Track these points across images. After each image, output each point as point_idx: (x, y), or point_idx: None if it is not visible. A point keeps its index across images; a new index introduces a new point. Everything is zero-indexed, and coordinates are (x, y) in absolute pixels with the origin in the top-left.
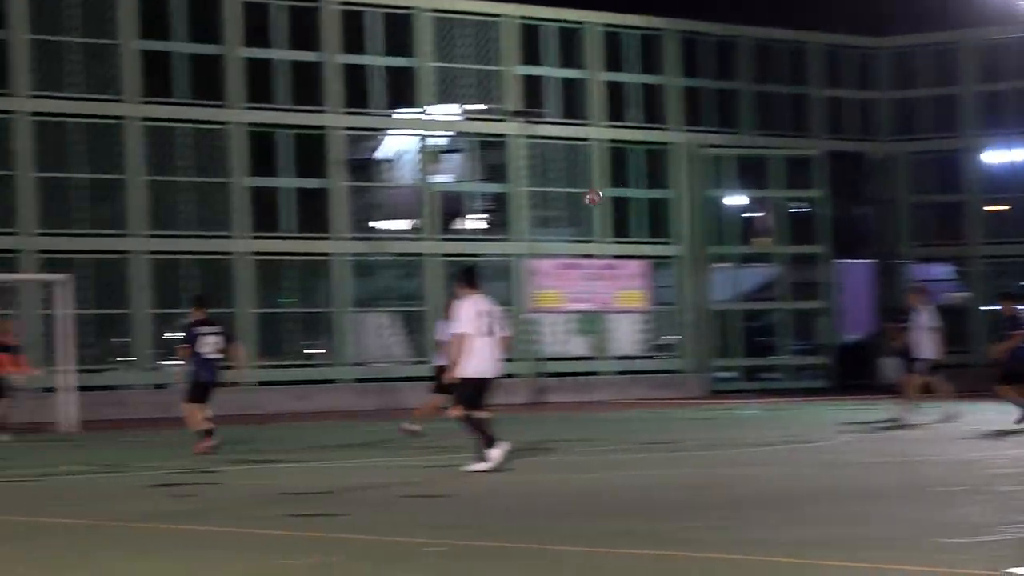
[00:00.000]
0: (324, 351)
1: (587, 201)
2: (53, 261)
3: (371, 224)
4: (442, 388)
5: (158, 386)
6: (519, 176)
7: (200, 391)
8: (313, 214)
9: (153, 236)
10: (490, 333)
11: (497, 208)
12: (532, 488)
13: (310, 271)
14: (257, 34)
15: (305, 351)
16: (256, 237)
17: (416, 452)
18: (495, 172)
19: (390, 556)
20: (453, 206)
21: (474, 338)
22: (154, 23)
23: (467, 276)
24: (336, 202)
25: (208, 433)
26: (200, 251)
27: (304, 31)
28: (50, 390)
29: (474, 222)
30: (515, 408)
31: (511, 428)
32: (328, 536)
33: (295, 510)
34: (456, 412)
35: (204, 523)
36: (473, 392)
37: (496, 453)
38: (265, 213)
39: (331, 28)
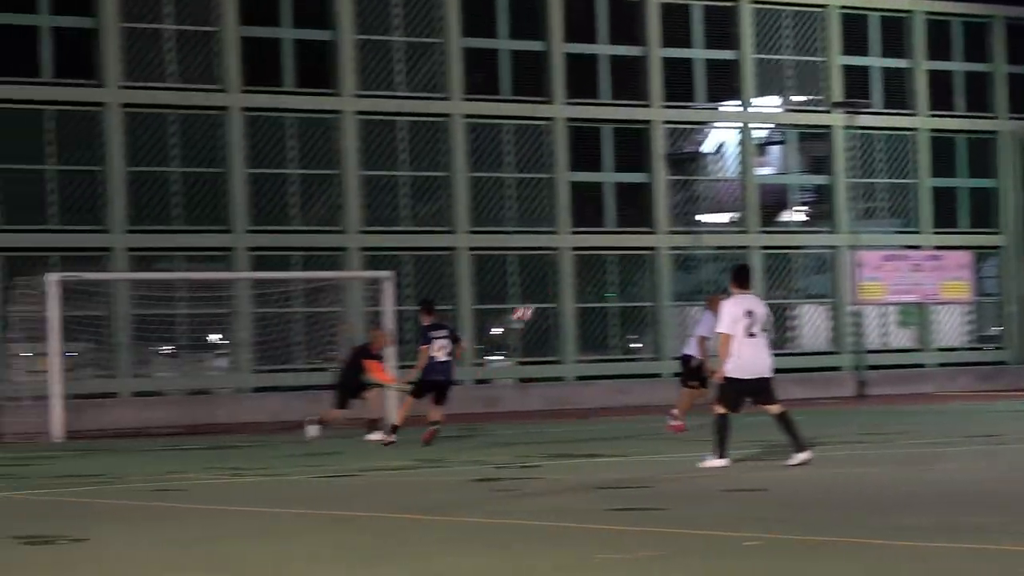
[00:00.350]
0: (643, 345)
1: (515, 317)
2: (377, 258)
3: (692, 218)
4: (688, 379)
5: (479, 381)
6: (842, 167)
7: (425, 388)
8: (634, 208)
9: (475, 232)
10: (751, 334)
11: (819, 200)
12: (848, 481)
13: (631, 265)
14: (579, 30)
15: (629, 345)
16: (577, 232)
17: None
18: (817, 164)
19: (709, 551)
20: (775, 198)
21: (734, 338)
22: (479, 20)
23: (737, 274)
24: (657, 196)
25: (394, 429)
26: (522, 247)
27: (626, 26)
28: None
29: (796, 214)
30: (838, 401)
31: (832, 421)
32: (646, 530)
33: (613, 504)
34: (715, 409)
35: (524, 517)
36: (731, 392)
37: (717, 463)
38: (586, 208)
39: (653, 22)
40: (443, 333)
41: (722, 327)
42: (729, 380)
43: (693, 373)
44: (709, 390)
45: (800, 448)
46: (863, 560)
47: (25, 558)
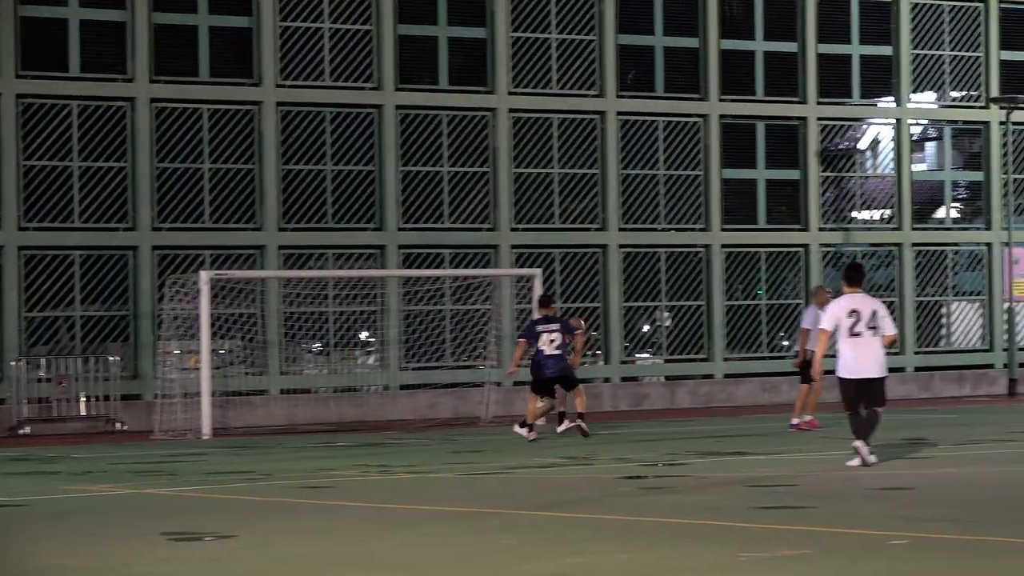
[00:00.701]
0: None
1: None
2: (527, 255)
3: (846, 214)
4: (804, 377)
5: (626, 379)
6: (997, 163)
7: (538, 385)
8: (786, 205)
9: (626, 230)
10: (855, 333)
11: (974, 196)
12: (996, 480)
13: (782, 262)
14: (734, 26)
15: (779, 343)
16: (728, 229)
17: (884, 445)
18: (973, 160)
19: (855, 549)
20: (929, 195)
21: (836, 337)
22: (634, 16)
23: (848, 272)
24: (811, 193)
25: (530, 427)
26: (673, 244)
27: (782, 21)
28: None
29: (950, 211)
30: (990, 399)
31: (982, 419)
32: (792, 528)
33: (759, 502)
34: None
35: (670, 515)
36: (844, 393)
37: (855, 461)
38: (738, 205)
39: (810, 18)
40: (552, 327)
41: (823, 324)
42: (840, 380)
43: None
44: (814, 385)
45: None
46: (1013, 559)
47: (173, 554)
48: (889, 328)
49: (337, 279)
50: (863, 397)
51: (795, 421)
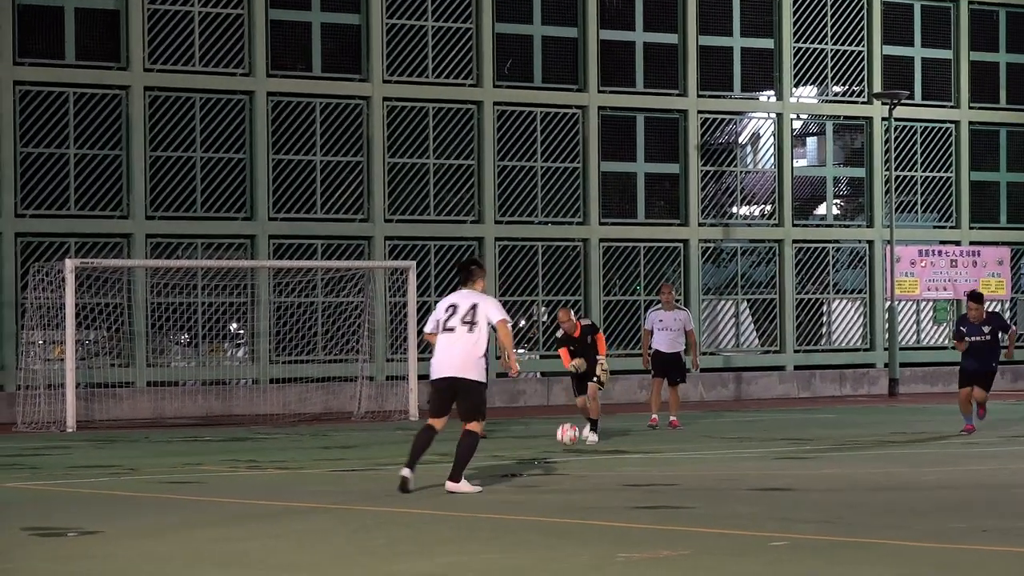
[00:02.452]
0: None
1: (564, 439)
2: (401, 248)
3: (726, 209)
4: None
5: (500, 375)
6: (880, 160)
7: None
8: (666, 200)
9: (502, 223)
10: (448, 329)
11: (856, 193)
12: (879, 480)
13: (663, 257)
14: (614, 16)
15: None
16: (606, 223)
17: (765, 444)
18: (855, 156)
19: (735, 550)
20: (811, 191)
21: (435, 335)
22: (512, 6)
23: (460, 267)
24: (690, 187)
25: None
26: (550, 237)
27: (662, 13)
28: (397, 378)
29: (831, 207)
30: (870, 399)
31: (862, 419)
32: (672, 529)
33: (638, 502)
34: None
35: (548, 514)
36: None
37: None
38: (618, 199)
39: (690, 9)
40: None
41: (427, 324)
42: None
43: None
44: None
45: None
46: (892, 561)
47: (34, 550)
48: (494, 316)
49: (206, 269)
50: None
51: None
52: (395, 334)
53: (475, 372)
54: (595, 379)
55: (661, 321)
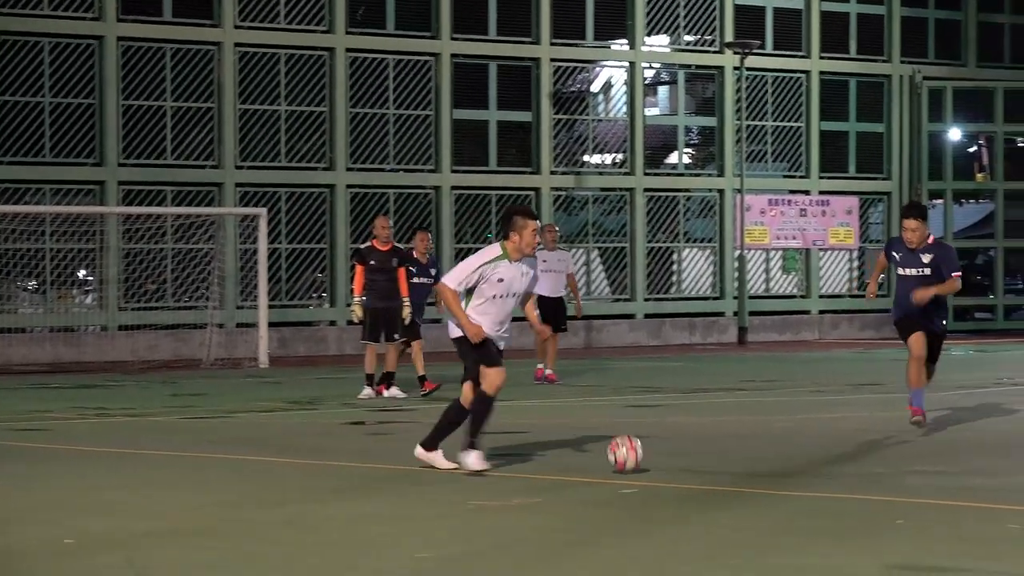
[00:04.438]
0: None
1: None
2: (252, 195)
3: (576, 158)
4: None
5: (352, 323)
6: (731, 109)
7: None
8: (519, 148)
9: (353, 170)
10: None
11: (707, 142)
12: (733, 429)
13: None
14: None
15: None
16: (458, 171)
17: (616, 392)
18: (706, 105)
19: (586, 498)
20: (662, 140)
21: None
22: None
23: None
24: (542, 136)
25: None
26: (402, 184)
27: None
28: (247, 325)
29: (682, 156)
30: (720, 347)
31: (713, 367)
32: (524, 477)
33: (491, 450)
34: None
35: (400, 462)
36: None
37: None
38: (470, 146)
39: None
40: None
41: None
42: None
43: None
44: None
45: None
46: (741, 507)
47: None
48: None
49: (54, 215)
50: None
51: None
52: (245, 281)
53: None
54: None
55: (544, 262)
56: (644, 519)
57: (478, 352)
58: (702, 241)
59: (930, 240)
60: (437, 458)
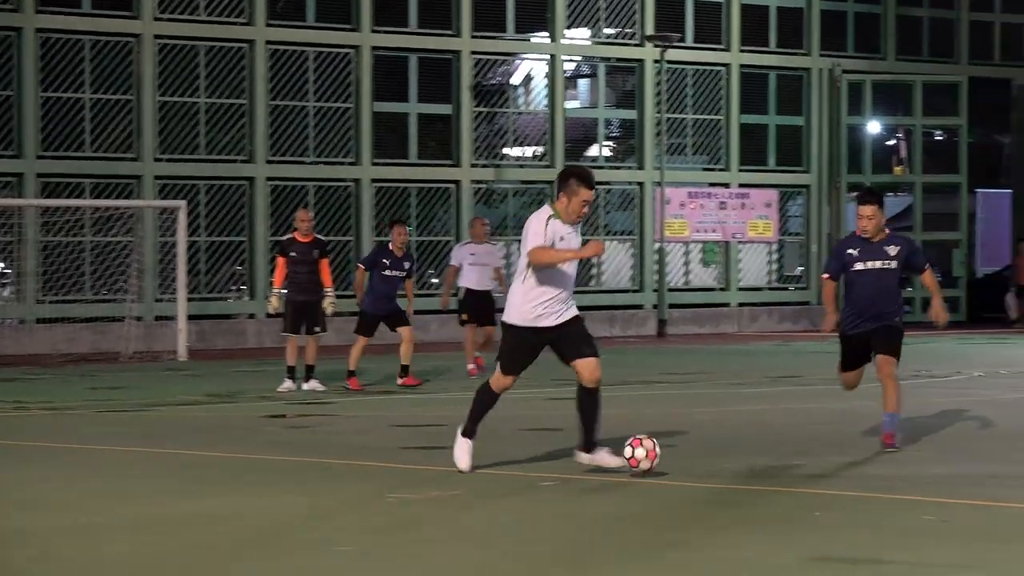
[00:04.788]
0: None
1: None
2: (171, 187)
3: (497, 151)
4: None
5: (271, 316)
6: (651, 102)
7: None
8: (439, 141)
9: (273, 163)
10: None
11: (627, 135)
12: (653, 422)
13: (434, 198)
14: None
15: (429, 280)
16: (379, 164)
17: (536, 385)
18: (627, 98)
19: (505, 490)
20: (582, 133)
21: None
22: None
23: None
24: (462, 129)
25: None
26: (322, 177)
27: None
28: (166, 318)
29: (603, 149)
30: (640, 340)
31: (632, 360)
32: (444, 469)
33: (410, 442)
34: None
35: (319, 455)
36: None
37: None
38: (390, 139)
39: None
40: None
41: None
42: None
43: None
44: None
45: None
46: (665, 500)
47: None
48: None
49: None
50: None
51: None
52: (164, 274)
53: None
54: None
55: (473, 255)
56: (561, 512)
57: (506, 351)
58: (622, 234)
59: (887, 232)
60: (602, 457)
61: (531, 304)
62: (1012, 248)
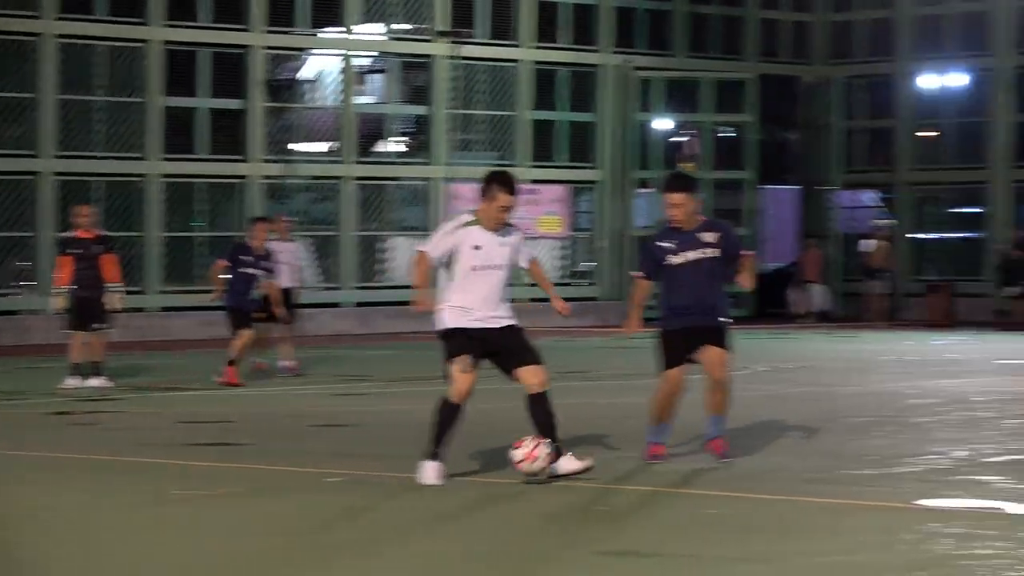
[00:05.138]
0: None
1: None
2: None
3: (288, 146)
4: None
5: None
6: (443, 98)
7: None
8: (229, 136)
9: (61, 157)
10: None
11: (419, 131)
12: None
13: (223, 194)
14: None
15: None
16: (168, 159)
17: (324, 381)
18: (419, 94)
19: (292, 486)
20: (374, 128)
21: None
22: None
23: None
24: (253, 124)
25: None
26: (110, 172)
27: None
28: None
29: (394, 145)
30: (429, 335)
31: (420, 355)
32: (230, 466)
33: (196, 439)
34: None
35: (103, 452)
36: None
37: None
38: (180, 134)
39: None
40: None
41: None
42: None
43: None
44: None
45: None
46: (448, 496)
47: None
48: None
49: None
50: None
51: (287, 364)
52: None
53: None
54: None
55: (279, 253)
56: (346, 506)
57: (450, 350)
58: (413, 229)
59: (702, 218)
60: (567, 462)
61: (450, 306)
62: (797, 244)
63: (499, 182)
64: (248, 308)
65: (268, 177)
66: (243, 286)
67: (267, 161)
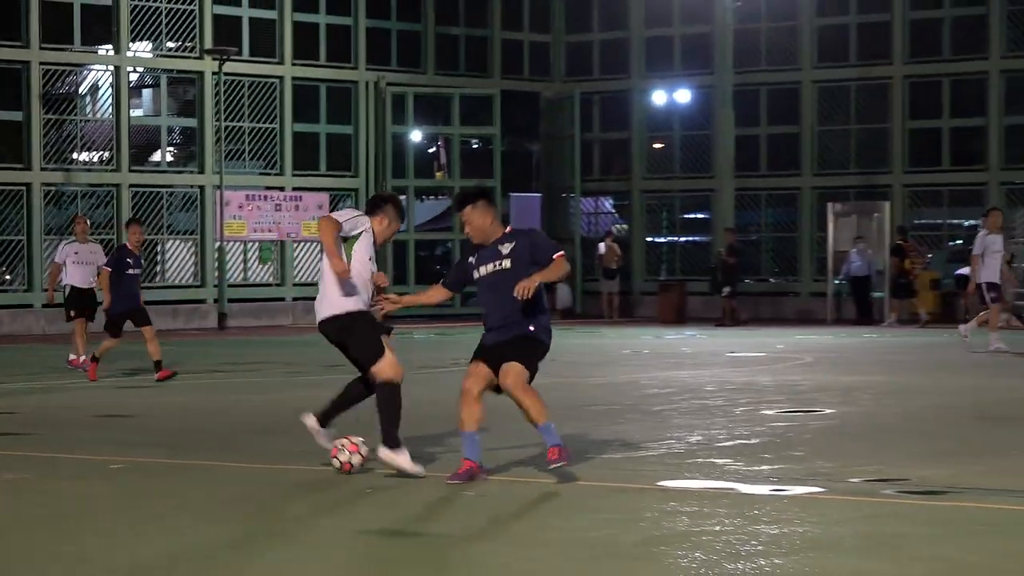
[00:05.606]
0: (13, 278)
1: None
2: None
3: (66, 156)
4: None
5: None
6: (210, 111)
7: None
8: (10, 146)
9: None
10: None
11: (188, 141)
12: (210, 407)
13: (5, 201)
14: None
15: (3, 278)
16: None
17: (106, 375)
18: (188, 107)
19: (76, 472)
20: (146, 139)
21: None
22: None
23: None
24: (33, 134)
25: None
26: None
27: None
28: None
29: (166, 155)
30: (202, 333)
31: (195, 351)
32: (13, 454)
33: None
34: None
35: None
36: None
37: None
38: None
39: None
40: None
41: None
42: None
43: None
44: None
45: None
46: (224, 480)
47: None
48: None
49: None
50: None
51: (80, 359)
52: None
53: None
54: None
55: (77, 254)
56: (130, 492)
57: (375, 334)
58: (185, 233)
59: (508, 229)
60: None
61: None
62: None
63: (395, 207)
64: (127, 311)
65: (48, 184)
66: (130, 288)
67: (47, 169)
